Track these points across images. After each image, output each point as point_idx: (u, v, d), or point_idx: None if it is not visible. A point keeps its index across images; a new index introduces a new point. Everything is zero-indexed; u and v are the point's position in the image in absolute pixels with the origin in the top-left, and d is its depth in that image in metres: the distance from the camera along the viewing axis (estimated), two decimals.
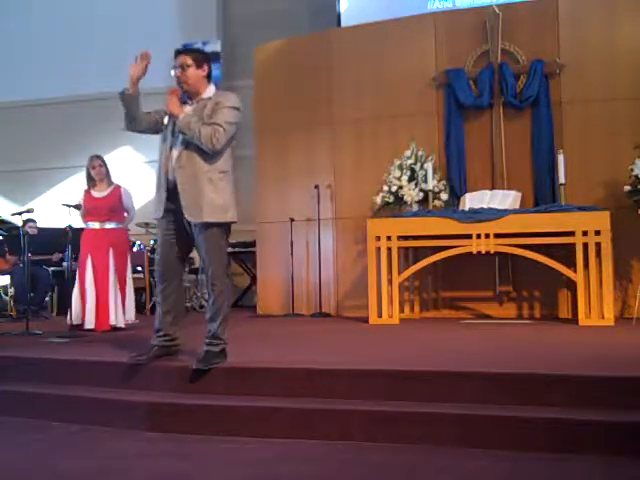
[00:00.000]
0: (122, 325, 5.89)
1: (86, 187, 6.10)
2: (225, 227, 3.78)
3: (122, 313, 5.93)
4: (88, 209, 5.99)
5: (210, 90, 3.92)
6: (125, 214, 6.17)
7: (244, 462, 2.87)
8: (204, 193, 3.68)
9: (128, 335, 5.53)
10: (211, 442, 3.14)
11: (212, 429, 3.25)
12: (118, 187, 6.11)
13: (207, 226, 3.69)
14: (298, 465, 2.82)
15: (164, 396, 3.52)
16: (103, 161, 6.08)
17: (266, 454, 2.95)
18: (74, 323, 5.79)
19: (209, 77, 3.94)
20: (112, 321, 5.83)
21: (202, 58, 3.95)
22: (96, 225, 5.99)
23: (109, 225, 6.02)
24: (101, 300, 5.85)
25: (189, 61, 3.90)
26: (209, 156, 3.72)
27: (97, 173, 6.02)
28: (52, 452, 3.11)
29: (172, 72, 3.99)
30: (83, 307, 5.83)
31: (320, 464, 2.82)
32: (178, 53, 4.03)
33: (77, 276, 5.98)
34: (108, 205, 5.99)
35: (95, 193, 6.04)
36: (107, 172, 6.08)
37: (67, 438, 3.33)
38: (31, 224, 7.65)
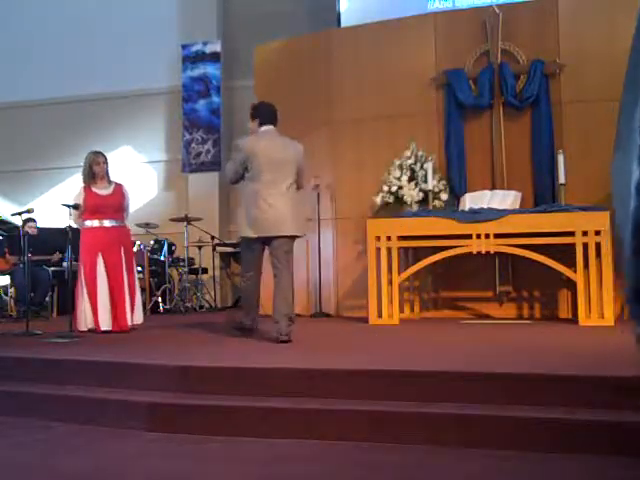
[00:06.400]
0: (134, 325, 5.76)
1: (84, 184, 5.86)
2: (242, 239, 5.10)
3: (135, 313, 5.80)
4: (93, 207, 5.75)
5: None
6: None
7: (244, 462, 2.87)
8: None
9: (130, 336, 5.53)
10: (211, 442, 3.14)
11: (212, 429, 3.25)
12: (120, 185, 5.97)
13: None
14: (298, 465, 2.82)
15: (164, 396, 3.51)
16: (105, 158, 5.92)
17: (266, 454, 2.95)
18: (87, 328, 5.61)
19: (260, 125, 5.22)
20: (129, 321, 5.70)
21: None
22: (106, 223, 5.78)
23: (118, 223, 5.85)
24: (117, 301, 5.67)
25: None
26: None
27: (101, 170, 5.83)
28: (52, 452, 3.11)
29: None
30: (95, 310, 5.62)
31: (320, 464, 2.82)
32: None
33: (83, 277, 5.71)
34: (115, 203, 5.83)
35: (99, 190, 5.81)
36: (108, 169, 5.93)
37: (67, 438, 3.33)
38: (31, 224, 7.64)
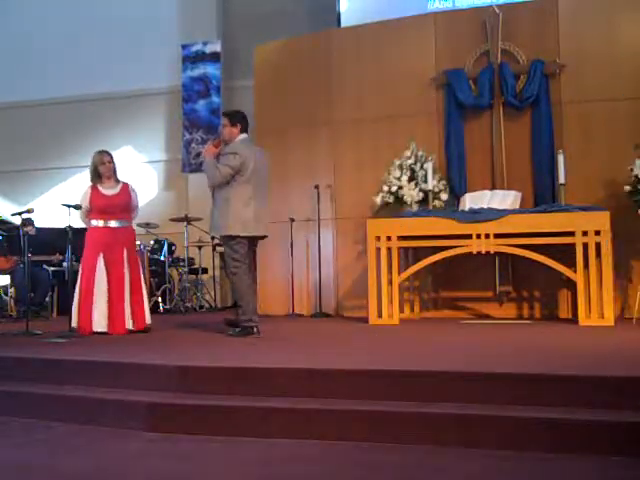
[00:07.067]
0: (142, 327, 5.68)
1: (91, 184, 5.79)
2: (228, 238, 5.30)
3: (142, 315, 5.71)
4: (99, 206, 5.68)
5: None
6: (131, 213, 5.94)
7: (244, 462, 2.87)
8: (214, 215, 5.40)
9: (129, 336, 5.53)
10: (211, 442, 3.14)
11: (212, 429, 3.24)
12: (127, 184, 5.89)
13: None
14: (298, 465, 2.82)
15: (164, 396, 3.51)
16: (111, 157, 5.83)
17: (266, 454, 2.94)
18: (72, 326, 5.56)
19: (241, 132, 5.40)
20: (127, 325, 5.61)
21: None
22: (112, 224, 5.72)
23: (123, 224, 5.78)
24: (116, 303, 5.59)
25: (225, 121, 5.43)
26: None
27: (107, 169, 5.75)
28: (52, 452, 3.11)
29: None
30: (86, 309, 5.56)
31: (320, 464, 2.82)
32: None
33: (80, 277, 5.68)
34: (122, 203, 5.76)
35: (105, 190, 5.74)
36: (115, 168, 5.84)
37: (67, 438, 3.33)
38: (29, 227, 7.56)
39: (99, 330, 5.53)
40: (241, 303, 5.30)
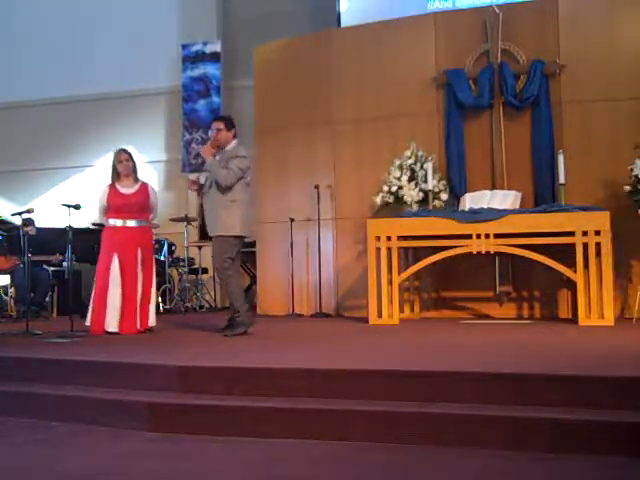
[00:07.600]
0: (144, 327, 5.67)
1: (110, 182, 5.77)
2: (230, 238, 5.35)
3: (147, 316, 5.69)
4: (116, 205, 5.69)
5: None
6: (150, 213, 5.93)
7: (244, 462, 2.87)
8: (219, 215, 5.32)
9: (130, 336, 5.53)
10: (211, 442, 3.14)
11: (212, 429, 3.24)
12: (146, 184, 5.88)
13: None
14: (298, 465, 2.82)
15: (164, 396, 3.51)
16: (130, 155, 5.80)
17: (266, 454, 2.94)
18: (86, 324, 5.58)
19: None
20: (137, 324, 5.60)
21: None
22: (129, 223, 5.71)
23: (141, 223, 5.76)
24: (128, 303, 5.58)
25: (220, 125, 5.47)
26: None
27: (124, 168, 5.73)
28: (52, 452, 3.11)
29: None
30: (99, 310, 5.55)
31: (320, 464, 2.82)
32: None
33: (95, 277, 5.69)
34: (139, 202, 5.75)
35: (123, 189, 5.74)
36: (134, 167, 5.81)
37: (67, 438, 3.33)
38: (29, 227, 7.56)
39: (111, 330, 5.53)
40: (234, 302, 5.35)
